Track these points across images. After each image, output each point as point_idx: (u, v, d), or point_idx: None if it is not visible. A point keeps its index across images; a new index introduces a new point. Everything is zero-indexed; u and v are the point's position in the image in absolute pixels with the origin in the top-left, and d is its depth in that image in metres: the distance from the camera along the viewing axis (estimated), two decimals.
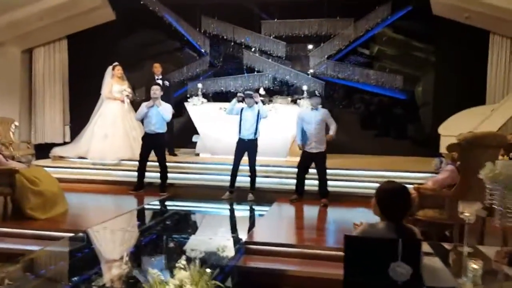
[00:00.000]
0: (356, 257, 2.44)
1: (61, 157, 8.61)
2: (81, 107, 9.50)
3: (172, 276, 2.23)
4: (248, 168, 6.77)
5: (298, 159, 6.73)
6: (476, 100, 8.30)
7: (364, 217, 5.62)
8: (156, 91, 6.96)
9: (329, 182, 7.04)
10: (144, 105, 7.01)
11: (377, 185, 6.80)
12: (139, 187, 7.04)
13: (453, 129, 7.42)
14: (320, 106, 6.59)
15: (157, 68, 8.89)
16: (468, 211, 2.68)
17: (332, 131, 6.43)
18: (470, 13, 8.13)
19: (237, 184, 6.79)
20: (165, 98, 8.68)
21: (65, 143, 9.59)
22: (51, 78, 10.30)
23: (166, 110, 6.95)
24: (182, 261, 2.26)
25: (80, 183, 7.72)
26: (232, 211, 6.50)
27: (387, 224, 2.46)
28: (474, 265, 2.41)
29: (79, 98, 9.94)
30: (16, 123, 9.65)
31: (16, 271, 3.85)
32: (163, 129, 6.98)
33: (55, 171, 7.87)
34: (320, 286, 3.98)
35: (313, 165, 6.54)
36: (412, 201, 2.58)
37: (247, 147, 6.64)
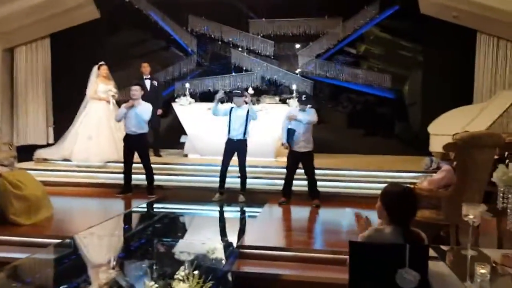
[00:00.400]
0: (362, 263, 2.35)
1: (44, 160, 8.37)
2: (65, 108, 9.27)
3: None
4: (237, 169, 6.64)
5: (285, 159, 6.63)
6: (463, 99, 8.33)
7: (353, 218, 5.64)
8: (135, 91, 6.70)
9: (318, 183, 7.00)
10: (123, 106, 6.80)
11: (367, 185, 6.82)
12: (127, 191, 6.86)
13: (443, 128, 7.43)
14: (310, 106, 6.51)
15: (146, 67, 8.73)
16: (472, 213, 2.61)
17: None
18: (458, 12, 8.15)
19: (227, 185, 6.66)
20: (154, 98, 8.55)
21: (48, 145, 9.34)
22: (34, 78, 10.01)
23: (144, 111, 6.69)
24: (181, 272, 2.14)
25: (65, 186, 7.50)
26: (223, 213, 6.37)
27: (393, 228, 2.37)
28: (482, 270, 2.34)
29: (63, 99, 9.70)
30: None
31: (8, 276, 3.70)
32: (143, 129, 6.77)
33: (38, 174, 7.66)
34: None
35: (300, 165, 6.44)
36: (418, 204, 2.47)
37: (236, 147, 6.51)
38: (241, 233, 4.97)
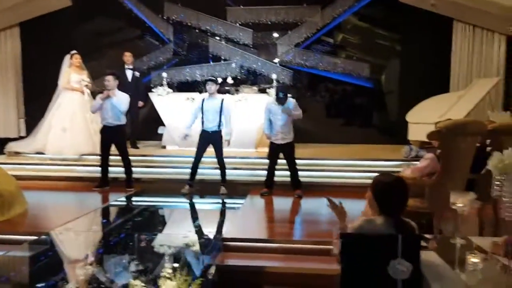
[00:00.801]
0: (354, 255, 2.30)
1: (17, 153, 8.07)
2: (37, 99, 8.94)
3: (158, 287, 2.00)
4: (215, 160, 6.51)
5: (266, 149, 6.55)
6: (440, 87, 8.42)
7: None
8: (108, 81, 6.44)
9: (299, 173, 6.96)
10: (98, 97, 6.56)
11: (348, 174, 6.80)
12: (104, 184, 6.66)
13: (421, 116, 7.50)
14: (290, 96, 6.43)
15: (128, 57, 8.50)
16: (461, 202, 2.58)
17: (294, 113, 6.25)
18: (436, 0, 8.18)
19: (208, 177, 6.54)
20: (135, 89, 8.33)
21: (20, 138, 9.01)
22: (3, 68, 9.60)
23: (121, 101, 6.46)
24: (168, 270, 2.04)
25: (39, 180, 7.22)
26: (204, 205, 6.27)
27: (385, 219, 2.33)
28: (474, 259, 2.32)
29: (35, 90, 9.35)
30: None
31: None
32: (120, 120, 6.55)
33: (11, 168, 7.37)
34: (303, 282, 3.85)
35: (282, 156, 6.37)
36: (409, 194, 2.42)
37: (211, 139, 6.36)
38: (224, 225, 4.87)
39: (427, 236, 3.43)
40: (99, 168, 6.74)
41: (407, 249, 2.25)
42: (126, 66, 8.40)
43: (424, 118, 7.24)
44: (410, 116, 7.78)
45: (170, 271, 2.06)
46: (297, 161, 7.21)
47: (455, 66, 8.69)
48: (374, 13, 9.88)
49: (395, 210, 2.35)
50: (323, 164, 7.46)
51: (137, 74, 8.47)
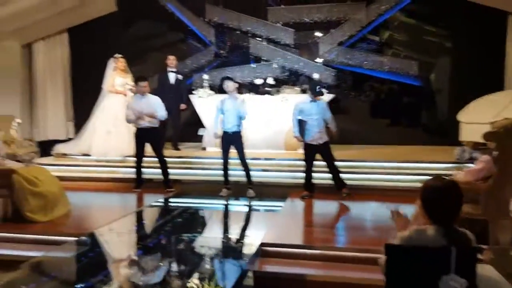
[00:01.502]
0: (400, 268, 2.09)
1: (64, 155, 8.30)
2: (84, 102, 9.18)
3: None
4: (260, 162, 6.38)
5: (300, 151, 6.38)
6: (494, 85, 7.93)
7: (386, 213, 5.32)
8: (146, 86, 6.60)
9: (342, 176, 6.71)
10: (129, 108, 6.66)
11: (394, 177, 6.47)
12: (139, 185, 6.73)
13: (474, 116, 7.05)
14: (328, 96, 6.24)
15: (171, 60, 8.55)
16: None
17: (332, 126, 6.07)
18: None
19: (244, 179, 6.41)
20: (177, 91, 8.38)
21: (69, 140, 9.27)
22: (53, 73, 9.96)
23: (152, 105, 6.56)
24: (194, 280, 1.91)
25: (84, 181, 7.41)
26: (243, 208, 6.14)
27: (437, 229, 2.09)
28: None
29: (83, 93, 9.64)
30: (19, 121, 9.33)
31: (17, 279, 3.56)
32: (154, 123, 6.60)
33: (57, 169, 7.62)
34: None
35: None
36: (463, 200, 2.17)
37: (232, 140, 6.21)
38: (262, 229, 4.71)
39: (482, 246, 3.15)
40: (144, 170, 6.82)
41: (462, 263, 2.02)
42: (168, 69, 8.45)
43: (478, 117, 6.80)
44: (463, 116, 7.34)
45: (197, 281, 1.92)
46: (340, 163, 6.99)
47: (510, 62, 8.13)
48: (422, 9, 9.45)
49: (448, 219, 2.11)
50: (367, 166, 7.17)
51: (180, 77, 8.50)
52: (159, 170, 6.74)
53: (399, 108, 9.96)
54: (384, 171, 6.90)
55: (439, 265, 2.01)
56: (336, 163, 6.16)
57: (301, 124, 6.00)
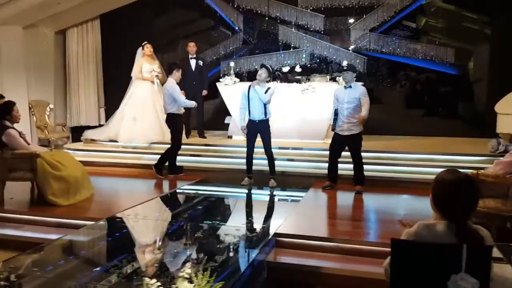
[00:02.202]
0: (406, 265, 1.93)
1: (92, 140, 8.44)
2: (115, 89, 9.31)
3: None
4: (288, 151, 6.22)
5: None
6: None
7: (412, 207, 5.10)
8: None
9: (371, 167, 6.51)
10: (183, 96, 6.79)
11: (424, 169, 6.19)
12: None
13: None
14: (356, 82, 5.92)
15: (192, 47, 8.52)
16: None
17: (363, 112, 5.61)
18: None
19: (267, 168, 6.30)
20: (199, 78, 8.37)
21: (100, 126, 9.44)
22: (85, 59, 10.15)
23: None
24: (187, 269, 1.83)
25: (111, 167, 7.53)
26: (264, 197, 6.05)
27: (447, 225, 1.92)
28: None
29: (114, 80, 9.78)
30: (51, 106, 9.59)
31: (35, 261, 3.62)
32: (169, 109, 6.65)
33: (86, 154, 7.79)
34: (359, 285, 3.49)
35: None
36: (478, 196, 1.98)
37: (258, 128, 6.07)
38: (279, 219, 4.60)
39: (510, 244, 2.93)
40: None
41: (474, 262, 1.84)
42: (190, 56, 8.42)
43: None
44: (500, 107, 6.96)
45: (189, 270, 1.84)
46: (370, 154, 6.79)
47: None
48: None
49: (460, 215, 1.93)
50: (398, 158, 6.92)
51: (200, 63, 8.46)
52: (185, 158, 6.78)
53: (435, 98, 9.57)
54: (412, 163, 6.64)
55: (449, 263, 1.85)
56: (363, 157, 5.90)
57: (335, 113, 5.79)
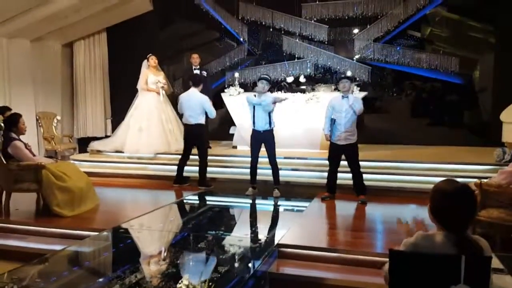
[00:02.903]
0: (404, 277, 1.93)
1: (98, 151, 8.50)
2: (122, 101, 9.38)
3: None
4: (292, 161, 6.22)
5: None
6: None
7: (416, 217, 5.07)
8: None
9: (376, 176, 6.49)
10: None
11: (430, 179, 6.15)
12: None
13: None
14: (353, 92, 5.91)
15: (195, 58, 8.59)
16: None
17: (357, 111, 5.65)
18: None
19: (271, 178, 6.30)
20: (203, 89, 8.40)
21: (106, 137, 9.50)
22: (92, 71, 10.28)
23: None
24: (184, 281, 1.83)
25: (117, 178, 7.57)
26: (268, 208, 6.04)
27: (446, 235, 1.91)
28: None
29: (120, 92, 9.88)
30: (58, 117, 9.69)
31: (39, 271, 3.64)
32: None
33: (91, 165, 7.83)
34: None
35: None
36: (477, 206, 1.98)
37: (263, 138, 6.10)
38: (282, 230, 4.58)
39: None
40: (172, 167, 6.99)
41: (473, 273, 1.83)
42: (193, 67, 8.48)
43: None
44: (506, 115, 6.93)
45: (187, 282, 1.85)
46: (375, 164, 6.78)
47: None
48: (465, 3, 9.02)
49: (459, 225, 1.92)
50: (403, 167, 6.87)
51: (204, 73, 8.54)
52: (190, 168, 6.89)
53: (440, 107, 9.57)
54: (417, 173, 6.60)
55: (447, 273, 1.84)
56: (361, 166, 5.87)
57: (333, 122, 5.79)
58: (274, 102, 6.04)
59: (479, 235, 2.09)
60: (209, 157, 6.92)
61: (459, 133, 9.05)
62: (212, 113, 6.73)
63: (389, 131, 9.29)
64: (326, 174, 6.52)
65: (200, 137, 6.73)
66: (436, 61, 8.72)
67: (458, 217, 1.91)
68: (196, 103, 6.61)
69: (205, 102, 6.64)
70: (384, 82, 9.72)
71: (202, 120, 6.67)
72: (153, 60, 8.28)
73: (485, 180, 3.96)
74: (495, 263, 2.32)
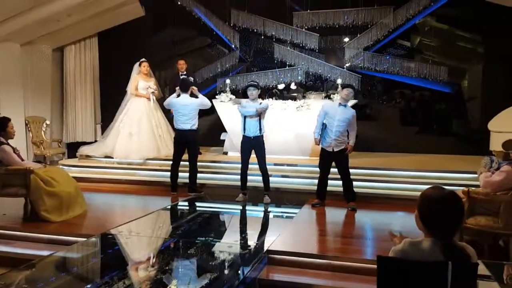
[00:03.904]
0: (393, 283, 1.94)
1: (87, 156, 8.44)
2: (112, 106, 9.33)
3: None
4: (282, 167, 6.25)
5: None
6: None
7: (405, 224, 5.11)
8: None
9: (365, 183, 6.54)
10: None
11: (419, 187, 6.22)
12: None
13: (505, 124, 6.74)
14: (351, 102, 5.97)
15: (181, 64, 8.61)
16: None
17: (351, 140, 5.78)
18: None
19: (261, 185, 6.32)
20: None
21: (96, 142, 9.44)
22: (82, 76, 10.23)
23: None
24: (179, 286, 1.83)
25: (105, 183, 7.51)
26: (257, 214, 6.05)
27: (433, 242, 1.93)
28: None
29: (110, 96, 9.84)
30: (48, 122, 9.62)
31: (26, 277, 3.60)
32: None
33: (80, 170, 7.78)
34: None
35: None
36: (464, 212, 2.00)
37: (253, 144, 6.12)
38: (272, 236, 4.59)
39: (502, 262, 2.94)
40: (162, 173, 6.95)
41: (459, 280, 1.86)
42: (180, 73, 8.48)
43: (508, 126, 6.49)
44: (493, 124, 7.03)
45: None
46: (364, 171, 6.83)
47: None
48: (453, 13, 9.14)
49: (445, 232, 1.94)
50: (392, 175, 6.94)
51: (191, 79, 8.53)
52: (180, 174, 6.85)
53: (429, 116, 9.67)
54: (406, 180, 6.67)
55: (435, 280, 1.86)
56: (351, 174, 5.93)
57: (324, 127, 5.84)
58: (259, 114, 6.05)
59: (467, 243, 2.11)
60: (199, 163, 6.91)
61: (447, 141, 9.14)
62: (208, 104, 6.78)
63: (378, 139, 9.35)
64: (316, 181, 6.57)
65: (193, 143, 6.72)
66: (425, 70, 8.81)
67: (445, 224, 1.93)
68: (189, 108, 6.60)
69: (198, 102, 6.67)
70: (373, 90, 9.81)
71: (195, 126, 6.66)
72: (145, 67, 8.29)
73: (473, 188, 4.02)
74: (482, 270, 2.34)
